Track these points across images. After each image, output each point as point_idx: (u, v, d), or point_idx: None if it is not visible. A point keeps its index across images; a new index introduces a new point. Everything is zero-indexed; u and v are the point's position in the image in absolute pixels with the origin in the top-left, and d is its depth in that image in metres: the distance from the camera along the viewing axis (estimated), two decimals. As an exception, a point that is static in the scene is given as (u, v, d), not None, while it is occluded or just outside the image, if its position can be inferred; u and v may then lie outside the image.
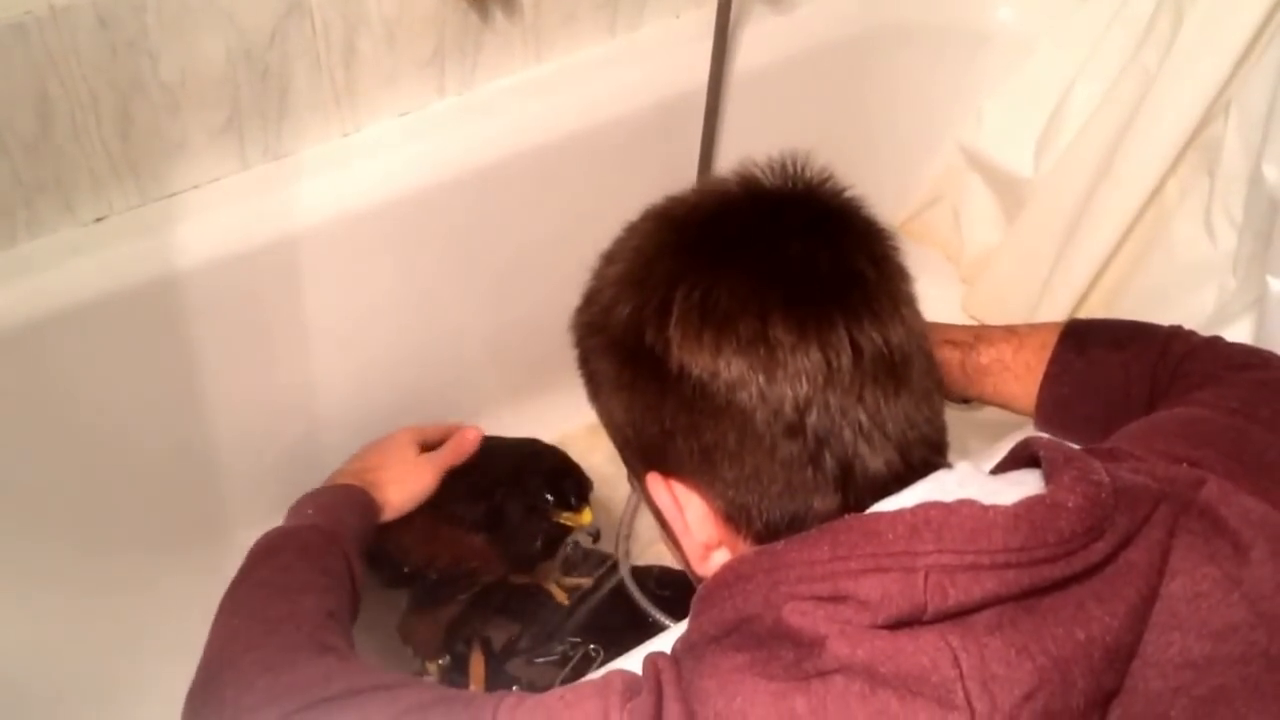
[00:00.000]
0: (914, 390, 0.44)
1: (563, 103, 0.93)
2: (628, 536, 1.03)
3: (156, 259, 0.80)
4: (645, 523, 1.05)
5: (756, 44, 0.98)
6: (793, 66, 1.01)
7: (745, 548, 0.45)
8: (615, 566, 1.00)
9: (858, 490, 0.43)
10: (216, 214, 0.82)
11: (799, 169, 0.46)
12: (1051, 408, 0.64)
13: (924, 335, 0.46)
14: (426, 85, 0.89)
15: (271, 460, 0.92)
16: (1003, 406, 0.68)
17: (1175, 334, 0.62)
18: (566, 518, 0.85)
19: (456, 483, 0.85)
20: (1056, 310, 0.99)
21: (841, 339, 0.42)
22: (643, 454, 0.47)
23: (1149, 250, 0.94)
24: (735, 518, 0.45)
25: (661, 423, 0.45)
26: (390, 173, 0.87)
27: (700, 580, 0.48)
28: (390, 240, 0.89)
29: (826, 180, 0.46)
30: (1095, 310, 0.99)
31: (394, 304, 0.93)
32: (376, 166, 0.87)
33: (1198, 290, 0.88)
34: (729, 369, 0.42)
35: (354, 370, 0.94)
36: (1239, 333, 0.79)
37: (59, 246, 0.79)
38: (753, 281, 0.43)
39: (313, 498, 0.75)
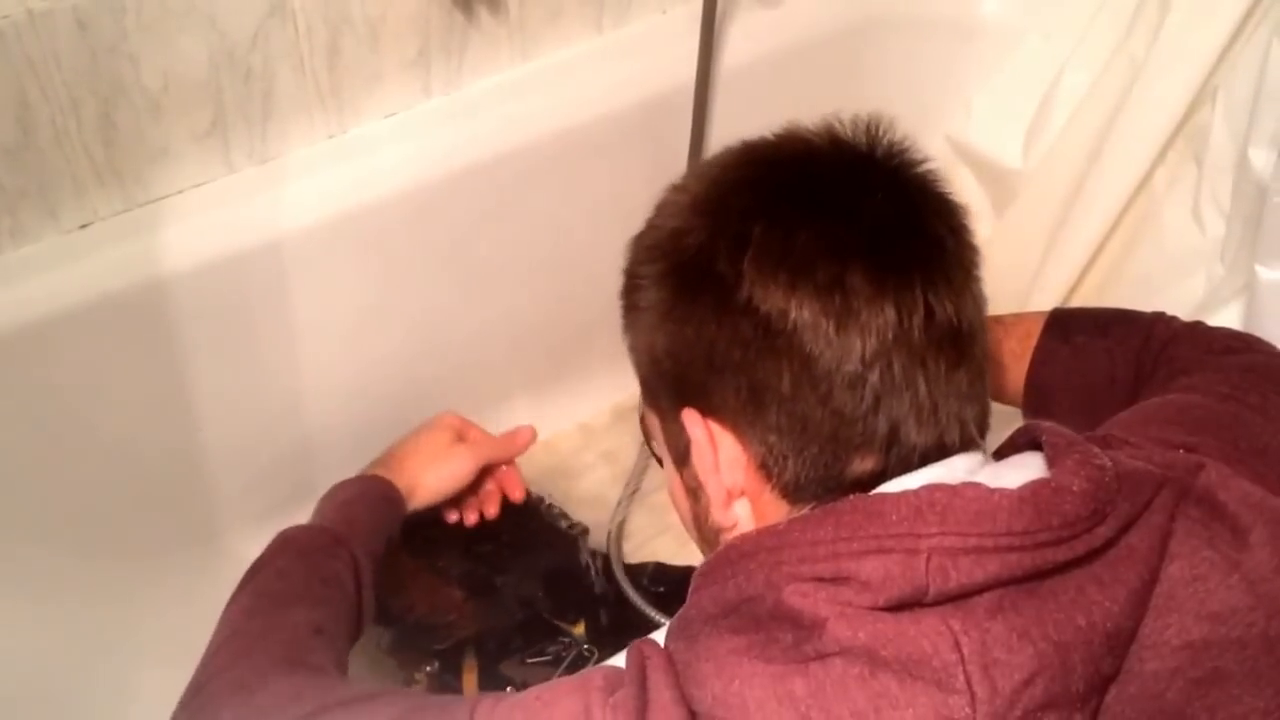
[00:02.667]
0: (973, 366, 0.44)
1: (550, 101, 0.92)
2: (620, 532, 1.02)
3: (142, 265, 0.79)
4: (638, 521, 1.04)
5: (744, 38, 0.98)
6: (780, 61, 1.01)
7: (771, 500, 0.44)
8: (608, 564, 1.00)
9: (899, 456, 0.42)
10: (202, 218, 0.82)
11: (881, 132, 0.45)
12: (1037, 396, 0.65)
13: (985, 314, 0.46)
14: (412, 85, 0.89)
15: (263, 466, 0.92)
16: (991, 397, 0.68)
17: (1158, 319, 0.62)
18: (560, 624, 0.85)
19: (455, 536, 0.84)
20: (1048, 301, 0.99)
21: (917, 300, 0.42)
22: (679, 388, 0.46)
23: (1138, 239, 0.94)
24: (770, 466, 0.44)
25: (711, 357, 0.43)
26: (377, 174, 0.86)
27: (706, 536, 0.47)
28: (378, 242, 0.89)
29: (909, 147, 0.46)
30: (1087, 299, 0.99)
31: (383, 306, 0.93)
32: (363, 168, 0.86)
33: (1187, 277, 0.88)
34: (800, 311, 0.41)
35: (345, 373, 0.94)
36: (1228, 319, 0.80)
37: (43, 254, 0.78)
38: (835, 229, 0.42)
39: (334, 493, 0.72)
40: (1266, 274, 0.75)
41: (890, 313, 0.41)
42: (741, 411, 0.44)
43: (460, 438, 0.80)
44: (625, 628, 0.94)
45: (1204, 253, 0.87)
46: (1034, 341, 0.65)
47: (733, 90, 0.98)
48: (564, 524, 0.91)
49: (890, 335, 0.41)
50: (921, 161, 0.46)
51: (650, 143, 0.97)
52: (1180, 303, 0.86)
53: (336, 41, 0.83)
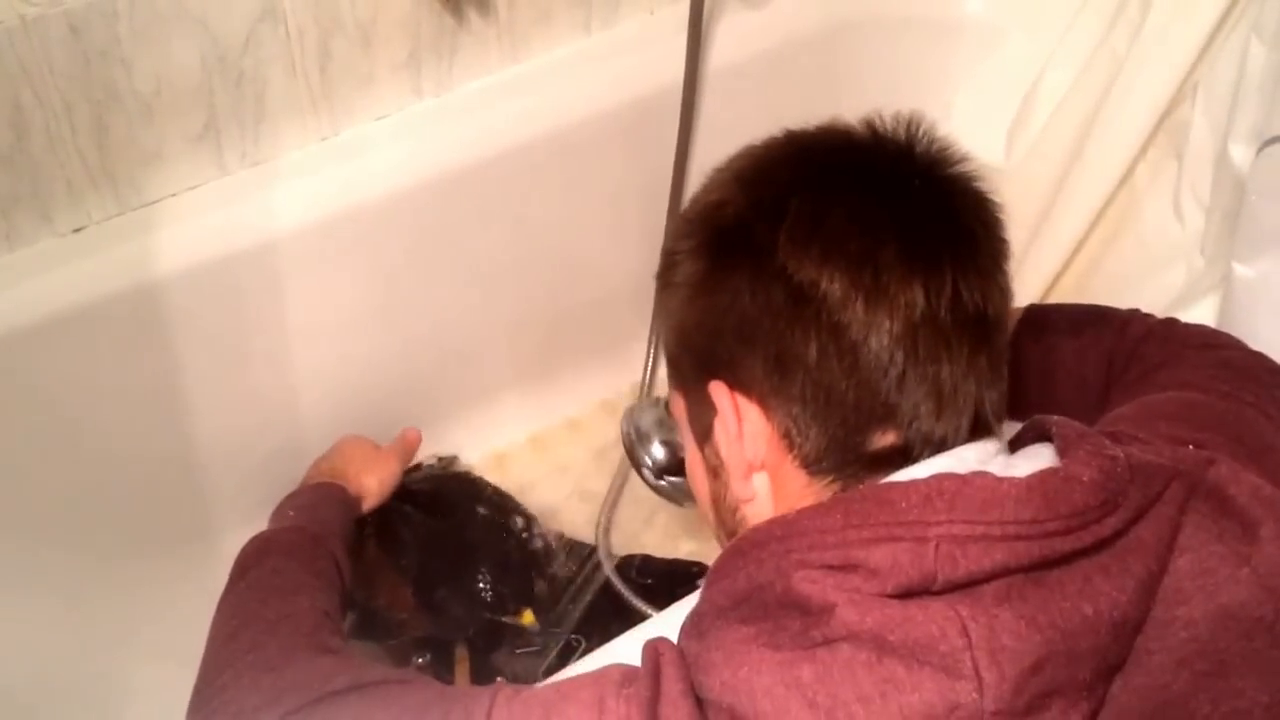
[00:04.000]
0: (995, 353, 0.44)
1: (540, 102, 0.93)
2: (608, 526, 1.03)
3: (136, 268, 0.80)
4: (625, 513, 1.05)
5: (731, 39, 0.99)
6: (767, 61, 1.02)
7: (791, 471, 0.45)
8: (596, 557, 1.01)
9: (920, 432, 0.43)
10: (196, 221, 0.82)
11: (920, 129, 0.47)
12: (1011, 395, 0.65)
13: (1010, 306, 0.46)
14: (403, 87, 0.90)
15: (257, 464, 0.92)
16: None
17: (1133, 317, 0.63)
18: (507, 619, 0.86)
19: (419, 536, 0.86)
20: (1030, 294, 1.00)
21: (945, 282, 0.42)
22: (708, 361, 0.47)
23: (1120, 233, 0.95)
24: (793, 436, 0.44)
25: (741, 327, 0.44)
26: (369, 175, 0.87)
27: (723, 516, 0.48)
28: (370, 243, 0.89)
29: (948, 145, 0.47)
30: (1069, 293, 1.00)
31: (375, 306, 0.93)
32: (355, 170, 0.87)
33: (1167, 270, 0.89)
34: (832, 284, 0.42)
35: (337, 372, 0.94)
36: (1206, 311, 0.81)
37: (38, 258, 0.79)
38: (870, 208, 0.43)
39: (292, 500, 0.75)
40: (1241, 270, 0.76)
41: (919, 292, 0.42)
42: (767, 381, 0.44)
43: (376, 447, 0.85)
44: (611, 615, 0.95)
45: (1184, 246, 0.88)
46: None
47: (720, 90, 0.98)
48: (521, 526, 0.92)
49: (918, 314, 0.42)
50: (960, 160, 0.46)
51: (639, 142, 0.98)
52: (1161, 295, 0.87)
53: (328, 44, 0.83)
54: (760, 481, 0.46)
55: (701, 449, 0.49)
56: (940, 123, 1.22)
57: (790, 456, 0.45)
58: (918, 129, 0.46)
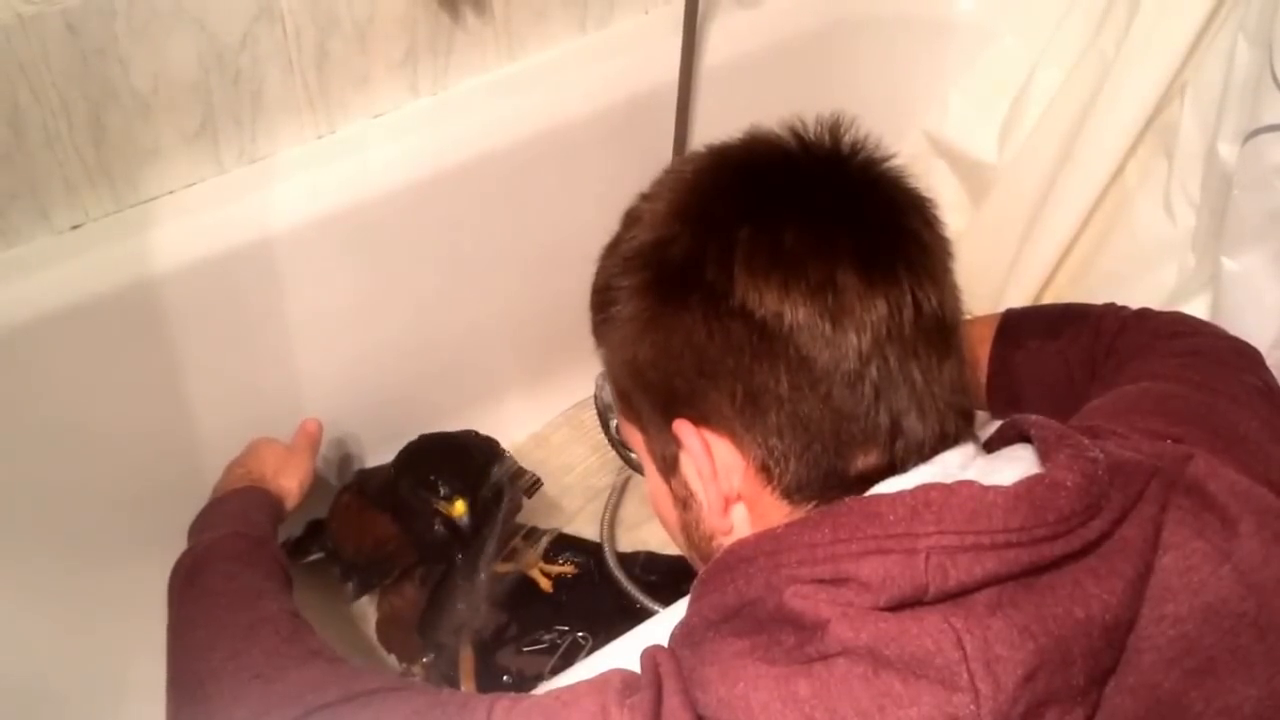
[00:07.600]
0: (958, 357, 0.44)
1: (535, 100, 0.93)
2: (612, 523, 1.04)
3: (134, 265, 0.80)
4: (629, 510, 1.06)
5: (725, 38, 0.99)
6: (761, 59, 1.03)
7: (771, 502, 0.44)
8: (601, 553, 1.01)
9: (904, 450, 0.43)
10: (193, 218, 0.82)
11: (844, 131, 0.46)
12: (1000, 401, 0.65)
13: (962, 305, 0.46)
14: (400, 86, 0.90)
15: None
16: None
17: (1106, 312, 0.63)
18: (441, 506, 0.85)
19: (383, 468, 0.88)
20: (1023, 292, 1.01)
21: (905, 293, 0.42)
22: (666, 399, 0.45)
23: (1111, 231, 0.97)
24: (771, 468, 0.43)
25: (701, 365, 0.43)
26: (366, 173, 0.88)
27: (696, 544, 0.47)
28: (368, 240, 0.90)
29: (875, 145, 0.46)
30: (1061, 289, 1.01)
31: (373, 303, 0.94)
32: (352, 167, 0.87)
33: (1159, 268, 0.90)
34: (795, 312, 0.41)
35: (336, 369, 0.95)
36: (1199, 307, 0.82)
37: (35, 255, 0.79)
38: (819, 229, 0.42)
39: (217, 507, 0.74)
40: (1230, 264, 0.77)
41: (882, 308, 0.41)
42: (738, 417, 0.43)
43: (286, 448, 0.84)
44: (616, 611, 0.95)
45: (1175, 244, 0.90)
46: (988, 348, 0.65)
47: (714, 88, 0.99)
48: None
49: (884, 330, 0.41)
50: (888, 158, 0.46)
51: (635, 140, 0.99)
52: (1153, 293, 0.88)
53: (325, 43, 0.84)
54: (738, 513, 0.45)
55: (667, 481, 0.48)
56: (933, 120, 1.23)
57: (769, 488, 0.44)
58: (843, 131, 0.45)
